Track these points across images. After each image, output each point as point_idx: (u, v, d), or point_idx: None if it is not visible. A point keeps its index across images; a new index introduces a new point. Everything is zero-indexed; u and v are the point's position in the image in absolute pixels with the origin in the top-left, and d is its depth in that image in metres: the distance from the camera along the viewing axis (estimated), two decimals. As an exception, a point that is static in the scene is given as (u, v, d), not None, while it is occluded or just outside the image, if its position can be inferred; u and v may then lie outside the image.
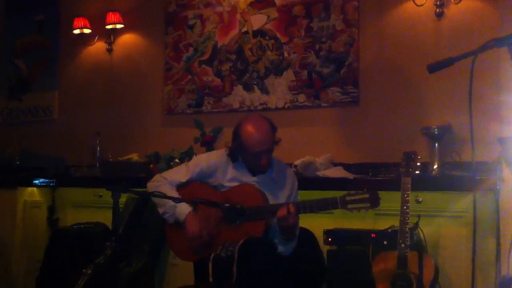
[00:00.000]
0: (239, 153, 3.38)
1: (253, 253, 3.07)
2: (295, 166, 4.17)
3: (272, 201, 3.30)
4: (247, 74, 4.95)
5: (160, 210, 3.41)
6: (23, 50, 6.12)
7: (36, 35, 6.05)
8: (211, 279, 3.12)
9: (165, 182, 3.44)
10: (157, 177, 3.55)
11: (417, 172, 3.42)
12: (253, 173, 3.39)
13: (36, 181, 4.96)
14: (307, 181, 4.02)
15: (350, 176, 4.06)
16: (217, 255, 3.14)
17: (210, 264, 3.13)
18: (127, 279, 4.18)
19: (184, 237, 3.34)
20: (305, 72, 4.72)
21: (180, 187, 3.44)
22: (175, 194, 3.35)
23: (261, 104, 4.88)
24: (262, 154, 3.28)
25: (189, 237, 3.29)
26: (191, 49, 5.21)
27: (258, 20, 4.94)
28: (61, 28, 5.89)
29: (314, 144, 4.62)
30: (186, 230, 3.30)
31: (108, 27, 5.46)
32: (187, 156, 4.60)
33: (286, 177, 3.49)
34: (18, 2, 6.18)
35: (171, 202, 3.30)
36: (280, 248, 3.29)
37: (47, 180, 4.97)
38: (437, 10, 4.25)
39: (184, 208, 3.32)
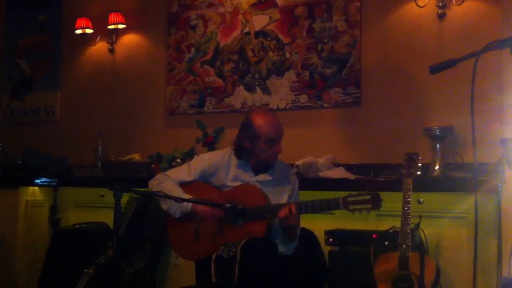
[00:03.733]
0: (248, 147, 3.34)
1: (255, 253, 3.07)
2: (297, 166, 4.18)
3: (273, 201, 3.30)
4: (249, 75, 4.96)
5: (165, 207, 3.40)
6: (26, 50, 6.12)
7: (39, 35, 6.05)
8: (213, 279, 3.12)
9: (168, 178, 3.44)
10: (159, 175, 3.55)
11: (418, 173, 3.42)
12: (256, 172, 3.39)
13: (38, 181, 4.96)
14: (309, 181, 4.02)
15: (352, 176, 4.06)
16: (219, 255, 3.15)
17: (212, 264, 3.13)
18: (128, 279, 4.19)
19: (187, 236, 3.34)
20: (307, 73, 4.73)
21: (182, 186, 3.44)
22: (178, 189, 3.35)
23: (263, 104, 4.88)
24: (276, 140, 3.29)
25: (204, 217, 3.29)
26: (193, 49, 5.21)
27: (260, 21, 4.94)
28: (64, 28, 5.89)
29: (316, 144, 4.62)
30: (199, 213, 3.30)
31: (110, 27, 5.46)
32: (189, 156, 4.60)
33: (288, 177, 3.49)
34: (20, 2, 6.19)
35: (175, 195, 3.30)
36: (281, 248, 3.29)
37: (48, 180, 4.97)
38: (439, 11, 4.25)
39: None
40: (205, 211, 3.29)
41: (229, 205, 2.99)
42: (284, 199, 3.36)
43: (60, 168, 5.23)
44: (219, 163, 3.43)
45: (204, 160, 3.50)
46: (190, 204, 3.30)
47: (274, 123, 3.30)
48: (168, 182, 3.41)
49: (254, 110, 3.41)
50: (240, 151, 3.39)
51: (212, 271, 3.12)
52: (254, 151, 3.34)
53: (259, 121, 3.29)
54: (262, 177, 3.38)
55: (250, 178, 3.38)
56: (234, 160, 3.42)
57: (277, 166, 3.45)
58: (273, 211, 3.19)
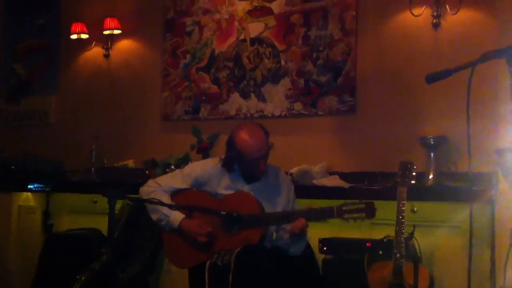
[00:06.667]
0: (235, 163, 3.36)
1: (250, 261, 3.06)
2: (291, 174, 4.17)
3: (270, 207, 3.30)
4: (244, 82, 4.96)
5: (154, 217, 3.39)
6: (23, 54, 6.11)
7: (36, 39, 6.04)
8: (206, 287, 3.11)
9: (159, 188, 3.42)
10: (150, 182, 3.53)
11: (413, 181, 3.42)
12: (248, 181, 3.39)
13: (31, 186, 4.94)
14: (303, 189, 4.01)
15: (346, 185, 4.06)
16: (213, 263, 3.14)
17: (206, 272, 3.12)
18: (122, 285, 4.17)
19: (181, 244, 3.33)
20: (302, 80, 4.73)
21: (175, 193, 3.43)
22: (169, 202, 3.34)
23: (257, 111, 4.88)
24: (260, 159, 3.28)
25: (191, 238, 3.28)
26: (188, 55, 5.22)
27: (256, 28, 4.95)
28: (61, 32, 5.88)
29: (310, 152, 4.62)
30: (187, 233, 3.29)
31: (106, 32, 5.46)
32: (183, 162, 4.59)
33: (281, 181, 3.49)
34: (19, 6, 6.17)
35: (164, 210, 3.30)
36: (292, 249, 3.31)
37: (42, 185, 4.95)
38: (434, 20, 4.27)
39: (177, 216, 3.31)
40: (190, 230, 3.29)
41: (225, 212, 2.99)
42: (281, 204, 3.36)
43: (55, 173, 5.20)
44: (212, 172, 3.42)
45: (196, 169, 3.49)
46: (178, 220, 3.31)
47: (257, 144, 3.26)
48: (159, 192, 3.39)
49: (238, 127, 3.34)
50: (229, 165, 3.38)
51: (206, 279, 3.11)
52: (240, 167, 3.36)
53: (241, 141, 3.27)
54: (256, 184, 3.37)
55: (243, 186, 3.37)
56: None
57: (270, 173, 3.44)
58: (269, 220, 3.20)
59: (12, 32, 6.19)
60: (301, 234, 3.23)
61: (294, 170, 4.22)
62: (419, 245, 3.54)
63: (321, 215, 3.18)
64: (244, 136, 3.28)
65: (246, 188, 3.37)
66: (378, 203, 3.13)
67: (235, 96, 4.99)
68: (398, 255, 3.14)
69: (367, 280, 3.31)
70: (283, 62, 4.82)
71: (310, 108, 4.69)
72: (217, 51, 5.09)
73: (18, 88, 6.10)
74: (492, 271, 3.35)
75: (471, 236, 2.93)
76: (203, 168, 3.48)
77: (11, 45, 6.18)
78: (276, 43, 4.86)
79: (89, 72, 5.71)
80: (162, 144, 5.22)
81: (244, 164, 3.33)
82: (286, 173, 3.96)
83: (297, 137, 4.74)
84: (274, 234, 3.41)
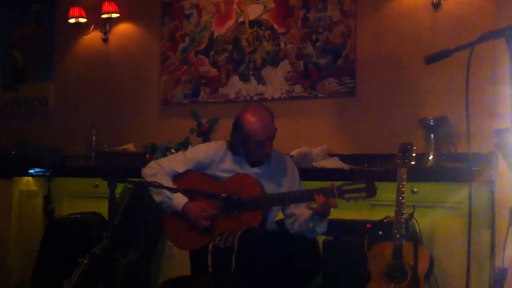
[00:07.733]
0: (241, 145, 3.35)
1: (253, 243, 3.07)
2: (292, 156, 4.17)
3: (273, 190, 3.30)
4: (244, 65, 4.95)
5: (157, 199, 3.40)
6: (20, 41, 6.09)
7: (33, 25, 6.02)
8: (209, 270, 3.12)
9: (161, 171, 3.42)
10: (153, 163, 3.53)
11: (412, 163, 3.42)
12: (252, 165, 3.39)
13: (32, 171, 4.94)
14: (303, 171, 4.01)
15: (346, 166, 4.07)
16: (216, 245, 3.14)
17: (209, 255, 3.13)
18: (123, 269, 4.19)
19: (182, 226, 3.34)
20: (302, 63, 4.72)
21: (176, 176, 3.44)
22: (171, 185, 3.35)
23: (257, 94, 4.88)
24: (266, 141, 3.28)
25: (194, 221, 3.30)
26: (187, 39, 5.20)
27: (254, 11, 4.93)
28: (58, 18, 5.86)
29: (311, 135, 4.62)
30: (189, 217, 3.30)
31: (104, 16, 5.44)
32: (183, 146, 4.59)
33: (285, 166, 3.49)
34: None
35: (167, 192, 3.30)
36: (318, 229, 3.27)
37: (43, 170, 4.96)
38: (434, 0, 4.26)
39: (180, 199, 3.32)
40: (192, 214, 3.30)
41: (224, 195, 3.00)
42: (285, 188, 3.36)
43: (54, 159, 5.20)
44: (215, 155, 3.42)
45: (200, 152, 3.49)
46: (182, 204, 3.31)
47: (263, 125, 3.25)
48: (161, 175, 3.39)
49: (245, 109, 3.34)
50: (235, 148, 3.39)
51: (209, 262, 3.12)
52: (246, 150, 3.35)
53: (248, 123, 3.26)
54: (260, 168, 3.37)
55: (246, 170, 3.37)
56: (230, 153, 3.42)
57: (274, 157, 3.44)
58: (270, 202, 3.21)
59: (8, 19, 6.15)
60: (324, 212, 3.20)
61: (294, 152, 4.23)
62: (419, 226, 3.55)
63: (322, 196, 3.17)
64: (251, 118, 3.27)
65: (249, 171, 3.37)
66: (378, 185, 3.13)
67: (235, 79, 4.98)
68: (398, 235, 3.15)
69: (367, 261, 3.32)
70: (282, 45, 4.80)
71: (309, 90, 4.69)
72: (216, 34, 5.08)
73: (15, 75, 6.08)
74: (492, 251, 3.36)
75: (470, 216, 2.94)
76: (206, 151, 3.48)
77: (7, 32, 6.14)
78: (275, 26, 4.84)
79: (88, 56, 5.70)
80: (162, 128, 5.22)
81: (250, 147, 3.32)
82: (287, 155, 3.96)
83: (297, 119, 4.74)
84: (288, 220, 3.40)
